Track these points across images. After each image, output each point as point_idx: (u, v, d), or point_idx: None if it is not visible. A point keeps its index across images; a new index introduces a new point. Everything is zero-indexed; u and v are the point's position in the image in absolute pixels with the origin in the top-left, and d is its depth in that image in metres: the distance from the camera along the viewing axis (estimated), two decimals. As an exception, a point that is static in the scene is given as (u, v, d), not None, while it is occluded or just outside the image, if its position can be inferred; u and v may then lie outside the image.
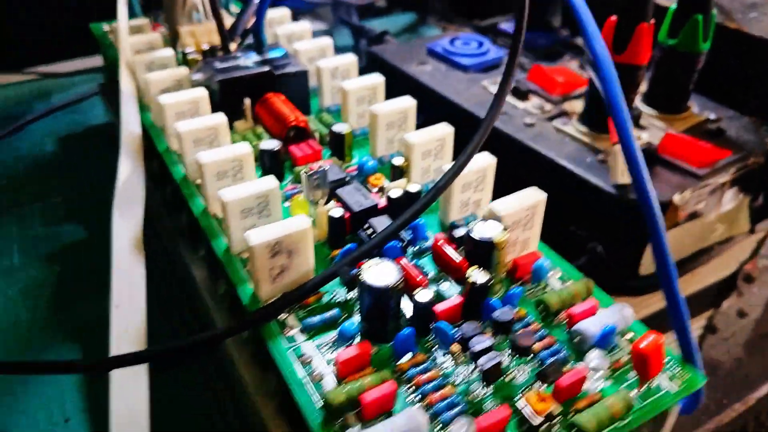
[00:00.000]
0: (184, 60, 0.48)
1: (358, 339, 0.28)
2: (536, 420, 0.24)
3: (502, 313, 0.27)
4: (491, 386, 0.26)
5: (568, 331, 0.28)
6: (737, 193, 0.44)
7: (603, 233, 0.42)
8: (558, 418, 0.25)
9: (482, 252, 0.29)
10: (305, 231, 0.30)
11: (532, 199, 0.32)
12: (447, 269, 0.31)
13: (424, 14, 0.84)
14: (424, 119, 0.42)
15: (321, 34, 0.50)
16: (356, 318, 0.29)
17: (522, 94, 0.51)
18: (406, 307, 0.29)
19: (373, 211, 0.34)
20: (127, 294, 0.36)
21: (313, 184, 0.34)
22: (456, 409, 0.25)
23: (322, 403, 0.25)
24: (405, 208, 0.31)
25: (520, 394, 0.26)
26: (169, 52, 0.47)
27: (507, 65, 0.33)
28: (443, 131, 0.38)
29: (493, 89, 0.52)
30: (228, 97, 0.42)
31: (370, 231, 0.33)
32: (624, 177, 0.39)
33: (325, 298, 0.31)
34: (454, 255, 0.31)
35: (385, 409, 0.25)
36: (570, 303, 0.29)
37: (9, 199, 0.52)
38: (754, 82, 0.52)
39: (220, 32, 0.45)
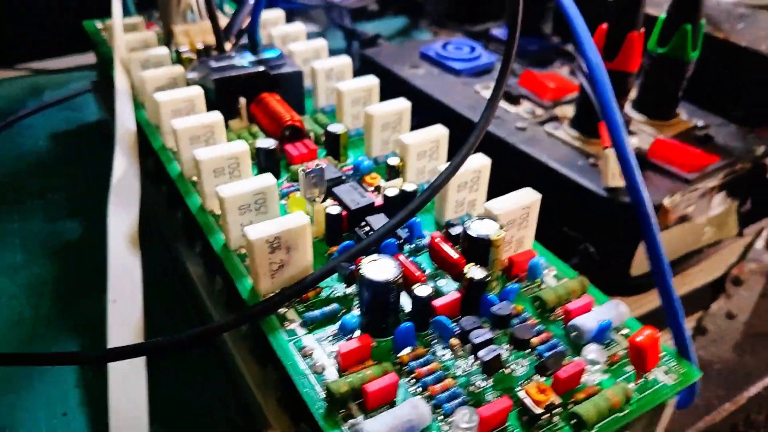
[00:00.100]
0: (178, 59, 0.48)
1: (358, 333, 0.29)
2: (537, 410, 0.24)
3: (501, 308, 0.27)
4: (491, 378, 0.26)
5: (565, 327, 0.29)
6: (725, 198, 0.44)
7: (595, 235, 0.42)
8: (558, 408, 0.25)
9: (479, 249, 0.30)
10: (303, 227, 0.30)
11: (527, 199, 0.32)
12: (444, 266, 0.31)
13: (417, 18, 0.85)
14: (417, 122, 0.43)
15: (314, 36, 0.51)
16: (356, 312, 0.30)
17: (514, 99, 0.51)
18: (405, 303, 0.30)
19: (370, 209, 0.35)
20: (123, 289, 0.36)
21: (310, 182, 0.34)
22: (457, 400, 0.25)
23: (325, 393, 0.26)
24: (401, 206, 0.31)
25: (520, 386, 0.26)
26: (163, 51, 0.47)
27: (501, 68, 0.33)
28: (438, 133, 0.38)
29: (485, 93, 0.52)
30: (223, 96, 0.42)
31: (367, 228, 0.34)
32: (615, 180, 0.40)
33: (324, 294, 0.31)
34: (452, 252, 0.31)
35: (387, 400, 0.26)
36: (566, 300, 0.30)
37: (10, 197, 0.52)
38: (742, 90, 0.53)
39: (215, 32, 0.46)
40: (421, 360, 0.27)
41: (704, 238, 0.45)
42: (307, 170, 0.34)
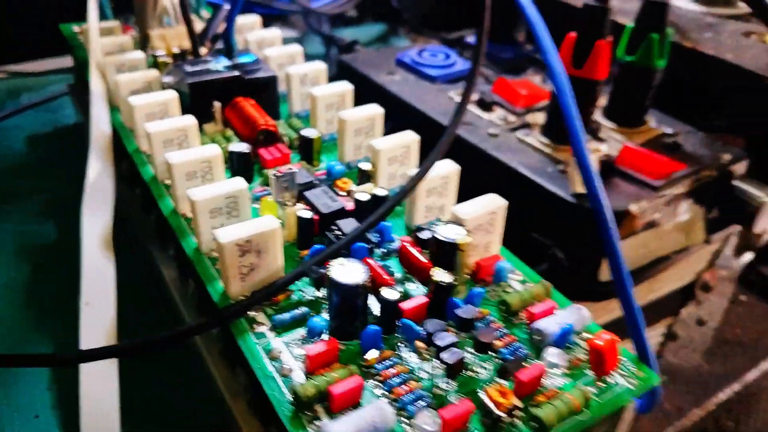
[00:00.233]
0: (154, 63, 0.49)
1: (326, 336, 0.29)
2: (498, 412, 0.25)
3: (465, 311, 0.28)
4: (455, 380, 0.27)
5: (528, 330, 0.29)
6: (692, 205, 0.45)
7: (564, 241, 0.43)
8: (518, 411, 0.25)
9: (446, 253, 0.30)
10: (274, 231, 0.31)
11: (493, 204, 0.33)
12: (413, 270, 0.32)
13: (395, 25, 0.85)
14: (392, 127, 0.43)
15: (292, 42, 0.51)
16: (325, 315, 0.30)
17: (486, 106, 0.52)
18: (374, 306, 0.30)
19: (341, 213, 0.35)
20: (96, 292, 0.37)
21: (281, 186, 0.34)
22: (421, 402, 0.26)
23: (292, 396, 0.26)
24: (372, 211, 0.32)
25: (482, 389, 0.27)
26: (139, 55, 0.48)
27: (468, 77, 0.34)
28: (409, 138, 0.39)
29: (459, 100, 0.53)
30: (198, 100, 0.42)
31: (338, 232, 0.34)
32: (582, 187, 0.41)
33: (295, 297, 0.31)
34: (420, 256, 0.32)
35: (353, 402, 0.26)
36: (530, 303, 0.30)
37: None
38: (710, 99, 0.54)
39: (190, 36, 0.46)
40: (388, 363, 0.28)
41: (672, 244, 0.46)
42: (279, 174, 0.34)
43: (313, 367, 0.27)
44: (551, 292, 0.32)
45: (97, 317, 0.36)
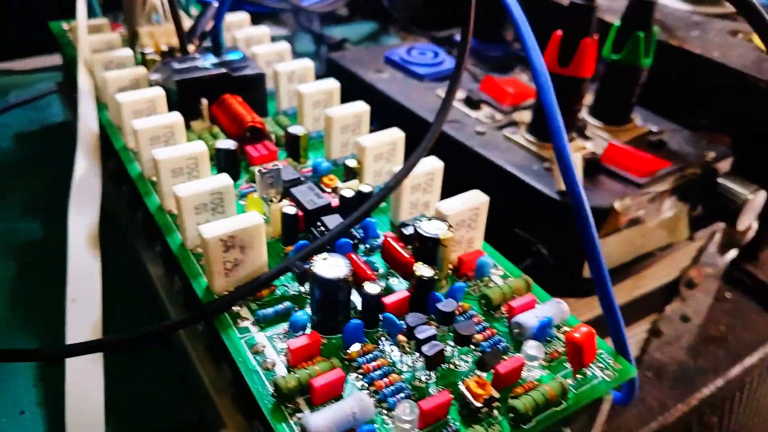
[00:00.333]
0: (143, 60, 0.49)
1: (309, 330, 0.29)
2: (476, 404, 0.25)
3: (445, 305, 0.28)
4: (435, 373, 0.27)
5: (508, 324, 0.30)
6: (676, 202, 0.46)
7: (548, 237, 0.43)
8: (496, 403, 0.26)
9: (429, 248, 0.31)
10: (258, 226, 0.31)
11: (476, 200, 0.33)
12: (395, 265, 0.32)
13: (385, 24, 0.86)
14: (380, 125, 0.44)
15: (282, 40, 0.51)
16: (308, 310, 0.30)
17: (474, 104, 0.52)
18: (358, 301, 0.30)
19: (326, 209, 0.35)
20: (82, 289, 0.37)
21: (266, 182, 0.35)
22: (401, 395, 0.26)
23: (273, 389, 0.26)
24: (357, 207, 0.32)
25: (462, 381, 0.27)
26: (127, 52, 0.48)
27: (453, 75, 0.34)
28: (395, 135, 0.39)
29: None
30: (185, 97, 0.43)
31: (322, 229, 0.34)
32: (567, 183, 0.41)
33: (279, 292, 0.32)
34: (402, 251, 0.32)
35: (334, 395, 0.26)
36: (510, 298, 0.31)
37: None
38: (696, 97, 0.54)
39: (178, 34, 0.46)
40: (370, 356, 0.28)
41: (656, 241, 0.46)
42: (264, 171, 0.34)
43: (295, 361, 0.27)
44: (532, 287, 0.32)
45: (83, 314, 0.36)
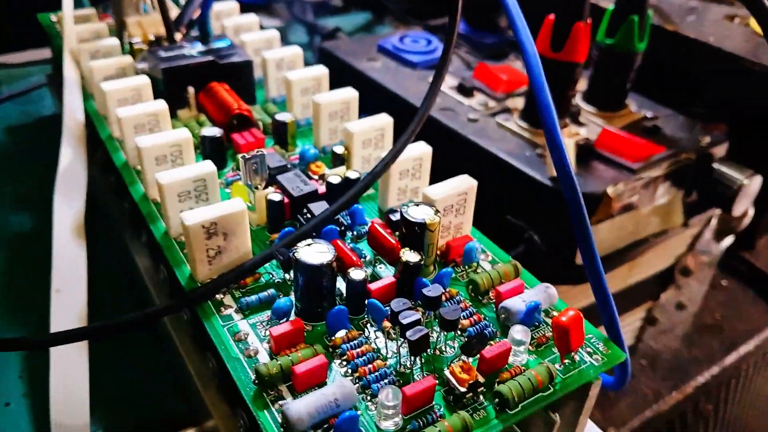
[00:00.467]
0: (130, 50, 0.48)
1: (293, 317, 0.29)
2: (460, 389, 0.25)
3: (431, 290, 0.27)
4: (420, 359, 0.27)
5: (496, 310, 0.29)
6: (670, 188, 0.45)
7: (541, 224, 0.43)
8: (482, 388, 0.25)
9: (415, 234, 0.30)
10: (241, 213, 0.30)
11: (464, 185, 0.33)
12: (382, 251, 0.32)
13: (380, 14, 0.85)
14: (373, 113, 0.43)
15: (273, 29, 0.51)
16: (292, 297, 0.30)
17: (467, 91, 0.52)
18: (345, 288, 0.30)
19: (313, 196, 0.35)
20: (67, 279, 0.36)
21: (251, 169, 0.34)
22: (385, 381, 0.26)
23: (255, 376, 0.26)
24: (344, 194, 0.31)
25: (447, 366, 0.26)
26: (114, 41, 0.47)
27: (441, 58, 0.34)
28: (383, 121, 0.38)
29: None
30: (172, 85, 0.42)
31: (308, 216, 0.34)
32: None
33: (263, 280, 0.31)
34: (389, 237, 0.31)
35: (317, 381, 0.26)
36: (499, 283, 0.30)
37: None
38: (692, 82, 0.54)
39: (164, 22, 0.46)
40: (354, 342, 0.27)
41: (650, 227, 0.46)
42: (247, 157, 0.34)
43: (277, 348, 0.27)
44: (521, 272, 0.31)
45: (68, 304, 0.36)
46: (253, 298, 0.30)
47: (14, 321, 0.40)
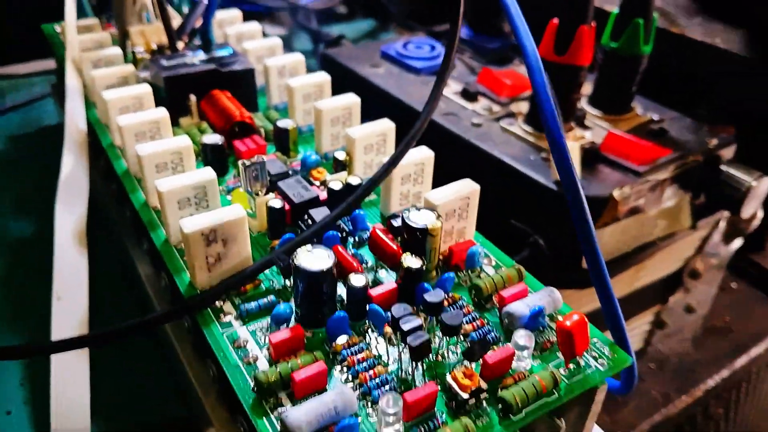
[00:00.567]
0: (133, 59, 0.48)
1: (293, 324, 0.28)
2: (463, 395, 0.24)
3: (432, 295, 0.27)
4: (422, 365, 0.26)
5: (499, 314, 0.29)
6: (677, 190, 0.45)
7: (546, 228, 0.42)
8: (484, 394, 0.25)
9: (417, 239, 0.30)
10: (240, 220, 0.30)
11: (466, 189, 0.32)
12: (383, 257, 0.31)
13: (384, 21, 0.85)
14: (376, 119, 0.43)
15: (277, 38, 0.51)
16: (292, 303, 0.29)
17: (471, 96, 0.51)
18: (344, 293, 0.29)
19: (314, 202, 0.35)
20: (68, 286, 0.36)
21: (251, 176, 0.34)
22: (385, 387, 0.25)
23: (254, 383, 0.25)
24: (345, 200, 0.31)
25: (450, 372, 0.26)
26: (116, 51, 0.47)
27: (442, 63, 0.33)
28: (385, 126, 0.38)
29: (444, 91, 0.52)
30: (173, 93, 0.42)
31: (309, 222, 0.33)
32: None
33: (264, 286, 0.31)
34: (390, 242, 0.31)
35: (317, 388, 0.25)
36: (502, 288, 0.30)
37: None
38: (698, 84, 0.53)
39: (166, 31, 0.46)
40: (355, 348, 0.27)
41: (657, 230, 0.45)
42: (247, 164, 0.34)
43: (277, 355, 0.27)
44: (524, 276, 0.31)
45: (69, 311, 0.35)
46: (253, 304, 0.29)
47: (15, 328, 0.40)
